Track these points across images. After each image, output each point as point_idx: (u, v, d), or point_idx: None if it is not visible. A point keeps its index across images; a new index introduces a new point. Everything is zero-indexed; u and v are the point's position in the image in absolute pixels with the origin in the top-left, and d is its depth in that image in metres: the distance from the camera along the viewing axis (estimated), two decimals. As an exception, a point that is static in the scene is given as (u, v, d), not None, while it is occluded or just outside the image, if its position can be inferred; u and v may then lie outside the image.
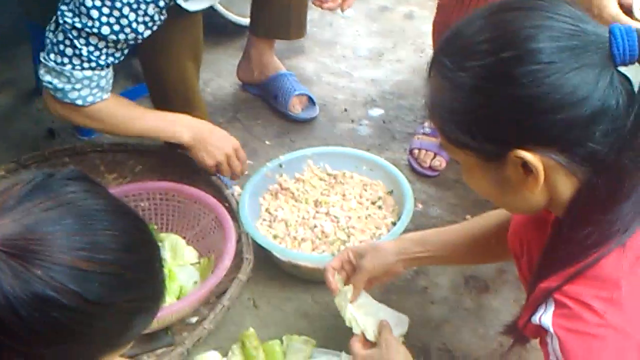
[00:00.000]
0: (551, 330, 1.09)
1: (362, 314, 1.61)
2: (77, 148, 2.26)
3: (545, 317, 1.10)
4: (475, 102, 1.07)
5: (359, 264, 1.62)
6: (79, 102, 1.87)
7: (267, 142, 2.45)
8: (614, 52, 1.03)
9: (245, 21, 2.73)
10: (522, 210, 1.26)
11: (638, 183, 1.07)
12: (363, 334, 1.57)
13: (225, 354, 1.74)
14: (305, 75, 2.76)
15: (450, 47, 1.12)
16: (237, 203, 2.02)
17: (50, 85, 1.85)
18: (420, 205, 2.17)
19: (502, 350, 1.74)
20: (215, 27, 2.95)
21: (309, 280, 1.95)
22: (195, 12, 1.96)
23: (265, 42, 2.55)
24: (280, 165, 2.14)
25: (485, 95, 1.06)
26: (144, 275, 0.97)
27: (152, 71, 2.15)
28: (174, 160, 2.21)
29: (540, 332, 1.14)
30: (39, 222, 0.89)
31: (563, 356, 1.08)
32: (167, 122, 2.03)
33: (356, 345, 1.55)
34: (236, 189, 2.13)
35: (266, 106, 2.60)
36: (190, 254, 1.96)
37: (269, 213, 2.05)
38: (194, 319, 1.82)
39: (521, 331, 1.23)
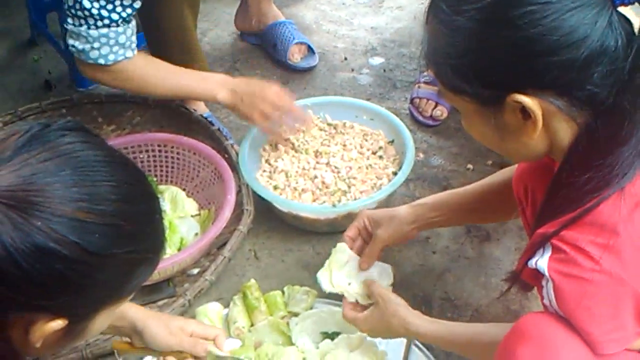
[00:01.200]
0: (546, 273, 1.09)
1: (347, 278, 1.60)
2: (75, 99, 2.24)
3: (541, 261, 1.10)
4: (471, 46, 1.06)
5: (375, 233, 1.60)
6: (101, 61, 1.86)
7: (266, 92, 2.42)
8: None
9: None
10: (523, 157, 1.25)
11: (637, 126, 1.06)
12: (357, 301, 1.58)
13: (226, 305, 1.74)
14: (304, 24, 2.72)
15: None
16: (237, 154, 2.00)
17: (73, 49, 1.86)
18: (421, 155, 2.15)
19: (503, 298, 1.74)
20: (212, -25, 2.91)
21: (310, 231, 1.94)
22: None
23: (262, -10, 2.51)
24: (280, 116, 2.11)
25: (481, 38, 1.05)
26: (143, 227, 0.96)
27: (150, 20, 2.12)
28: (173, 112, 2.18)
29: (538, 276, 1.14)
30: (37, 173, 0.88)
31: (556, 299, 1.09)
32: (200, 80, 1.99)
33: (351, 313, 1.55)
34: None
35: (265, 55, 2.57)
36: (190, 205, 1.96)
37: (269, 164, 2.04)
38: (195, 271, 1.83)
39: (521, 278, 1.23)
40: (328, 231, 1.93)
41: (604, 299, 1.06)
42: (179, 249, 1.83)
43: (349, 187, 1.95)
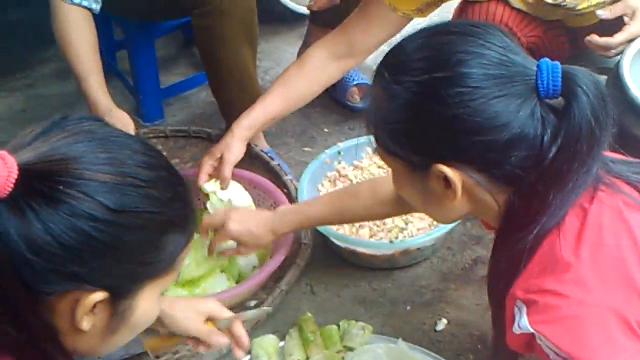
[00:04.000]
0: (532, 330, 1.10)
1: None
2: (140, 134, 2.30)
3: (522, 321, 1.12)
4: (405, 115, 1.13)
5: (222, 159, 1.88)
6: None
7: (325, 130, 2.46)
8: (538, 85, 1.08)
9: (305, 9, 2.74)
10: (444, 219, 1.32)
11: (547, 206, 1.11)
12: None
13: (282, 338, 1.76)
14: (365, 64, 2.73)
15: (391, 59, 1.17)
16: (296, 189, 2.03)
17: None
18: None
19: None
20: (275, 15, 2.97)
21: (367, 266, 1.95)
22: None
23: (325, 32, 2.55)
24: (339, 152, 2.15)
25: (415, 109, 1.12)
26: (165, 192, 0.98)
27: (209, 58, 2.19)
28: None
29: (530, 340, 1.14)
30: (57, 147, 0.93)
31: (557, 347, 1.08)
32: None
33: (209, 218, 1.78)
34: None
35: (325, 94, 2.58)
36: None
37: (328, 200, 2.06)
38: (252, 303, 1.85)
39: (510, 348, 1.23)
40: (384, 267, 1.94)
41: (590, 328, 1.07)
42: (237, 282, 1.86)
43: (407, 224, 1.95)
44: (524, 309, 1.12)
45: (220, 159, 1.89)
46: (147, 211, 0.95)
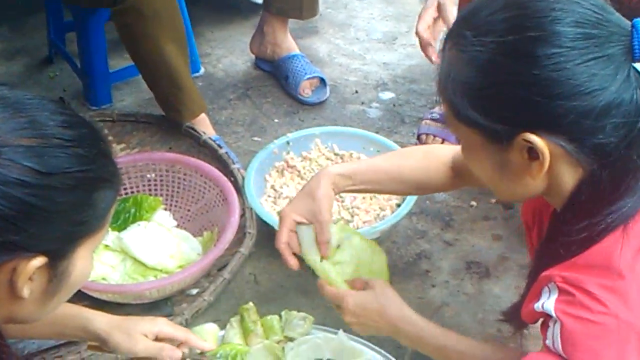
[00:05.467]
0: (554, 315, 1.09)
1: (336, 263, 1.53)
2: (86, 117, 2.26)
3: (548, 303, 1.10)
4: (492, 79, 1.05)
5: (317, 219, 1.49)
6: None
7: (275, 120, 2.45)
8: (634, 46, 1.02)
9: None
10: (516, 196, 1.23)
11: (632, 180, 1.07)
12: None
13: (223, 327, 1.74)
14: (317, 56, 2.76)
15: (472, 20, 1.09)
16: (243, 178, 2.02)
17: None
18: (426, 189, 2.16)
19: (500, 335, 1.74)
20: (229, 4, 2.96)
21: (311, 258, 1.94)
22: None
23: (279, 20, 2.55)
24: (288, 143, 2.14)
25: (503, 72, 1.04)
26: (89, 149, 0.98)
27: (134, 56, 2.18)
28: (182, 133, 2.21)
29: (543, 317, 1.14)
30: None
31: (562, 340, 1.08)
32: None
33: (332, 290, 1.45)
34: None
35: (277, 84, 2.60)
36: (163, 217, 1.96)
37: (274, 190, 2.05)
38: (194, 291, 1.83)
39: (520, 318, 1.24)
40: (329, 259, 1.93)
41: (611, 341, 1.06)
42: (180, 268, 1.84)
43: (352, 216, 1.96)
44: (555, 294, 1.09)
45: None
46: (77, 170, 0.94)
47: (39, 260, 0.93)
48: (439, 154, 1.55)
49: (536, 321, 1.20)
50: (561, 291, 1.09)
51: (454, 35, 1.12)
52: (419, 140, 2.30)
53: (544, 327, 1.14)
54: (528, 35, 1.03)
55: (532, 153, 1.07)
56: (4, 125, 0.91)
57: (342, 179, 1.54)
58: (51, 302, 1.02)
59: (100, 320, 1.42)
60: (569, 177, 1.10)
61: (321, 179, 1.51)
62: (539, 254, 1.23)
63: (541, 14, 1.03)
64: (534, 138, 1.05)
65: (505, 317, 1.35)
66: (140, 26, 2.06)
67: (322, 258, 1.50)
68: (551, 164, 1.07)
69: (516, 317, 1.27)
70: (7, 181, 0.88)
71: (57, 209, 0.93)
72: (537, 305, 1.12)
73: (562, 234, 1.12)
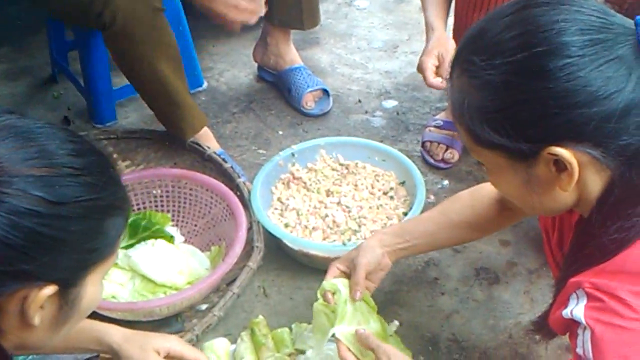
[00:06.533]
0: (583, 321, 1.08)
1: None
2: (91, 135, 2.27)
3: (577, 309, 1.09)
4: (508, 100, 1.06)
5: (353, 263, 1.57)
6: None
7: (280, 132, 2.45)
8: None
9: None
10: (548, 211, 1.23)
11: None
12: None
13: (234, 341, 1.75)
14: (319, 67, 2.76)
15: (477, 44, 1.10)
16: (249, 192, 2.02)
17: None
18: (432, 197, 2.16)
19: (511, 342, 1.74)
20: (231, 17, 2.96)
21: (320, 269, 1.94)
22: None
23: (281, 31, 2.56)
24: (293, 155, 2.14)
25: (518, 91, 1.05)
26: (99, 177, 0.98)
27: (128, 76, 2.17)
28: (186, 149, 2.21)
29: (571, 326, 1.13)
30: None
31: (592, 347, 1.07)
32: None
33: (351, 358, 1.46)
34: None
35: (280, 96, 2.60)
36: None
37: (281, 202, 2.05)
38: (204, 306, 1.83)
39: (549, 327, 1.23)
40: (337, 270, 1.94)
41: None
42: (190, 283, 1.85)
43: (360, 226, 1.96)
44: (584, 301, 1.08)
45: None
46: (87, 199, 0.95)
47: (50, 289, 0.93)
48: (485, 190, 1.56)
49: (566, 332, 1.19)
50: (590, 297, 1.08)
51: (461, 62, 1.12)
52: (424, 148, 2.31)
53: (573, 335, 1.13)
54: (536, 51, 1.03)
55: (559, 165, 1.07)
56: (14, 154, 0.91)
57: (390, 236, 1.60)
58: (62, 328, 1.02)
59: (114, 333, 1.44)
60: (597, 182, 1.10)
61: (369, 238, 1.62)
62: (567, 260, 1.22)
63: (545, 27, 1.04)
64: (559, 150, 1.05)
65: (535, 327, 1.34)
66: (131, 48, 2.04)
67: (353, 300, 1.54)
68: (579, 173, 1.07)
69: (545, 326, 1.26)
70: (18, 211, 0.88)
71: (68, 238, 0.93)
72: (566, 312, 1.12)
73: (591, 239, 1.12)
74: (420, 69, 2.00)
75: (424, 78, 1.98)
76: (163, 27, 2.10)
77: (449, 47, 1.96)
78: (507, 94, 1.06)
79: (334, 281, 1.57)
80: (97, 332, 1.43)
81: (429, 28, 2.07)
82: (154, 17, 2.04)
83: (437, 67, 1.97)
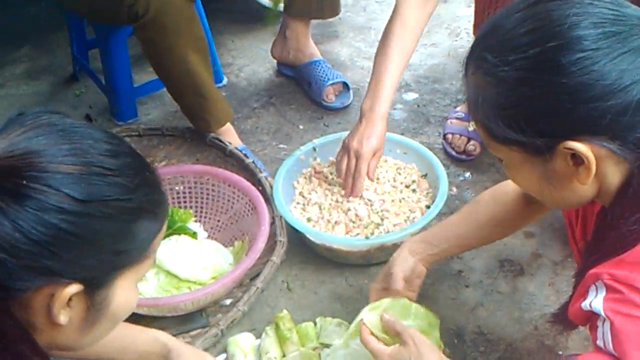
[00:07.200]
0: (602, 313, 1.08)
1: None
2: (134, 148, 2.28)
3: (595, 301, 1.09)
4: (523, 96, 1.06)
5: (388, 275, 1.60)
6: None
7: (300, 127, 2.45)
8: None
9: (279, 6, 2.73)
10: (569, 204, 1.23)
11: None
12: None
13: (258, 336, 1.75)
14: (339, 60, 2.75)
15: (490, 41, 1.10)
16: (271, 186, 2.02)
17: None
18: (454, 189, 2.15)
19: (537, 333, 1.73)
20: (249, 12, 2.97)
21: (343, 263, 1.95)
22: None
23: (300, 22, 2.55)
24: (314, 149, 2.14)
25: (533, 87, 1.05)
26: (132, 178, 0.97)
27: (158, 69, 2.18)
28: (208, 145, 2.22)
29: (591, 317, 1.13)
30: (17, 142, 0.92)
31: (612, 339, 1.07)
32: None
33: (374, 343, 1.44)
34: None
35: (300, 90, 2.60)
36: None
37: (303, 196, 2.05)
38: (228, 301, 1.84)
39: (569, 318, 1.23)
40: (361, 263, 1.94)
41: None
42: (213, 279, 1.85)
43: (382, 219, 1.95)
44: (603, 292, 1.09)
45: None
46: (115, 199, 0.94)
47: (74, 287, 0.93)
48: (508, 187, 1.57)
49: (587, 323, 1.19)
50: (609, 289, 1.08)
51: (475, 59, 1.12)
52: (445, 140, 2.29)
53: (593, 327, 1.13)
54: (549, 46, 1.03)
55: (577, 158, 1.07)
56: (46, 151, 0.91)
57: (419, 244, 1.62)
58: (92, 331, 1.01)
59: (170, 337, 1.51)
60: (616, 174, 1.10)
61: (399, 249, 1.63)
62: (586, 251, 1.22)
63: (558, 22, 1.04)
64: (575, 145, 1.05)
65: (555, 319, 1.34)
66: (162, 39, 2.07)
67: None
68: (597, 166, 1.07)
69: (565, 317, 1.26)
70: (44, 207, 0.89)
71: (94, 237, 0.93)
72: (585, 304, 1.11)
73: (611, 230, 1.12)
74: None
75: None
76: (194, 18, 2.12)
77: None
78: (521, 90, 1.06)
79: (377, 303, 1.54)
80: (151, 332, 1.50)
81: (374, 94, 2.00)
82: (186, 8, 2.06)
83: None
